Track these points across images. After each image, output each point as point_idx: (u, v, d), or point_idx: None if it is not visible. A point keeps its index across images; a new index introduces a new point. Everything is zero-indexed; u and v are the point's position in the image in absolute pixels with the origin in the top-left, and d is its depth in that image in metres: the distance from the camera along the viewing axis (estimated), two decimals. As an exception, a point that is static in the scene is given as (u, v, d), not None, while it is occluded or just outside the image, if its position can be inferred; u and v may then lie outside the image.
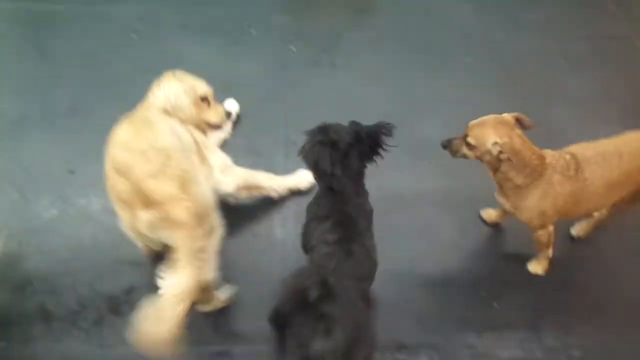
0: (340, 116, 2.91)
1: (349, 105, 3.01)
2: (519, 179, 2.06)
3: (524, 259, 2.44)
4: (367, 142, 1.89)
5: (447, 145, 2.17)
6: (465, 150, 2.11)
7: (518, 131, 2.03)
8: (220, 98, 2.75)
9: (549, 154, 2.09)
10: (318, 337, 1.53)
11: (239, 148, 2.76)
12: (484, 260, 2.51)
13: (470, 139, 2.06)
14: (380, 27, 3.57)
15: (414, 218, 2.59)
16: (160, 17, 3.50)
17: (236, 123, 2.90)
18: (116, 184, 1.86)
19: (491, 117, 2.06)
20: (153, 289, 2.16)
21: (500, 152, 1.99)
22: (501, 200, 2.24)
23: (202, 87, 2.28)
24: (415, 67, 3.31)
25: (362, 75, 3.23)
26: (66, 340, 2.06)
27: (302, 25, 3.54)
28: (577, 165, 2.07)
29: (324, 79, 3.20)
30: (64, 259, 2.29)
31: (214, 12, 3.55)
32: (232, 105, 2.92)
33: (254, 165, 2.64)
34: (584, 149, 2.12)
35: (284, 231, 2.46)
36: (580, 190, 2.08)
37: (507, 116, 2.05)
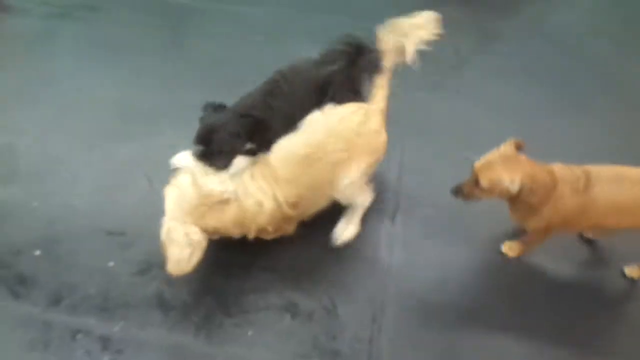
0: (458, 144, 2.90)
1: (469, 133, 2.95)
2: (535, 200, 2.04)
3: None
4: None
5: (457, 192, 2.14)
6: (478, 193, 2.08)
7: (523, 157, 2.04)
8: None
9: (558, 167, 2.09)
10: None
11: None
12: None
13: (483, 183, 2.03)
14: (508, 55, 3.44)
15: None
16: (287, 21, 3.58)
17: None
18: None
19: (494, 155, 2.05)
20: (260, 293, 2.28)
21: (520, 190, 1.98)
22: (512, 215, 2.24)
23: None
24: (543, 101, 3.16)
25: (485, 104, 3.12)
26: (178, 330, 2.17)
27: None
28: (588, 181, 2.05)
29: (445, 103, 3.13)
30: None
31: (341, 23, 3.56)
32: None
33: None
34: (602, 169, 2.10)
35: (390, 258, 2.45)
36: (587, 205, 2.06)
37: (508, 147, 2.05)
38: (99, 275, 2.32)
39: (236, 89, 3.00)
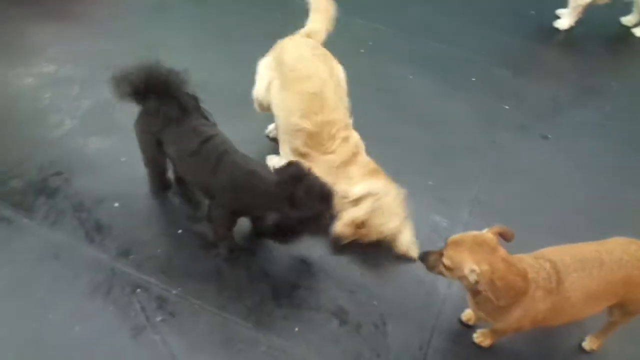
0: (538, 194, 2.84)
1: (550, 184, 2.89)
2: (502, 302, 1.81)
3: None
4: None
5: (423, 258, 1.99)
6: (442, 268, 1.91)
7: (501, 252, 1.82)
8: (420, 131, 2.79)
9: (529, 265, 1.88)
10: None
11: (427, 188, 2.78)
12: None
13: (444, 259, 1.87)
14: (607, 113, 3.34)
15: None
16: (390, 39, 3.63)
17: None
18: None
19: (469, 235, 1.86)
20: (314, 292, 2.31)
21: (477, 281, 1.78)
22: (476, 311, 2.04)
23: None
24: (636, 168, 3.04)
25: (574, 158, 3.04)
26: (229, 309, 2.24)
27: (522, 85, 3.44)
28: (558, 275, 1.87)
29: (531, 147, 3.07)
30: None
31: (441, 48, 3.58)
32: None
33: (436, 210, 2.66)
34: (563, 256, 1.92)
35: (447, 288, 2.42)
36: (561, 302, 1.88)
37: (489, 235, 1.85)
38: (167, 240, 2.43)
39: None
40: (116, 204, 2.53)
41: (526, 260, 1.92)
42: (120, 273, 2.29)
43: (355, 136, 2.50)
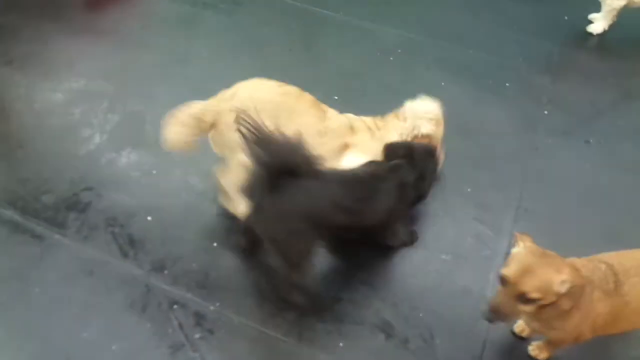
0: (585, 199, 2.71)
1: (597, 190, 2.76)
2: (567, 304, 1.68)
3: None
4: None
5: (493, 315, 1.70)
6: (523, 307, 1.67)
7: (551, 252, 1.72)
8: (457, 138, 2.72)
9: (581, 265, 1.76)
10: None
11: (467, 195, 2.67)
12: None
13: (532, 294, 1.62)
14: (650, 117, 3.21)
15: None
16: (420, 47, 3.55)
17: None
18: None
19: (524, 255, 1.69)
20: (357, 306, 2.20)
21: (567, 290, 1.63)
22: (530, 323, 1.89)
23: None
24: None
25: (619, 162, 2.90)
26: (270, 324, 2.14)
27: (560, 91, 3.32)
28: (616, 277, 1.76)
29: (573, 153, 2.94)
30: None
31: (473, 55, 3.49)
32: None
33: (478, 218, 2.56)
34: (621, 259, 1.81)
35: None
36: (620, 306, 1.76)
37: (530, 244, 1.72)
38: (202, 253, 2.35)
39: (357, 101, 3.02)
40: (149, 218, 2.47)
41: (577, 261, 1.81)
42: (156, 288, 2.21)
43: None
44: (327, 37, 3.58)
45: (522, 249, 1.72)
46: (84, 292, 2.19)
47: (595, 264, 1.80)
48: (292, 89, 2.41)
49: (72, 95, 3.04)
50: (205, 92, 3.21)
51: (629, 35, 3.80)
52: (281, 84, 2.42)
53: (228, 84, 3.26)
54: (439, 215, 2.58)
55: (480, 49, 3.54)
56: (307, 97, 2.39)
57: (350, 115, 2.46)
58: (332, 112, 2.40)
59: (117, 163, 2.71)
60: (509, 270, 1.68)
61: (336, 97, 3.00)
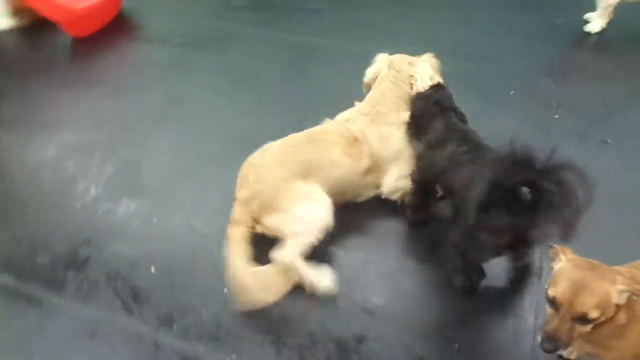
0: (611, 201, 2.54)
1: (618, 189, 2.58)
2: (624, 318, 1.51)
3: None
4: None
5: (552, 344, 1.50)
6: (582, 329, 1.49)
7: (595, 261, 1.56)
8: None
9: (627, 273, 1.54)
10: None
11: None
12: None
13: (592, 313, 1.45)
14: (664, 112, 3.07)
15: None
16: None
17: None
18: None
19: (572, 270, 1.51)
20: (385, 343, 2.02)
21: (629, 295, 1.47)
22: (582, 345, 1.66)
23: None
24: None
25: (637, 161, 2.75)
26: (291, 372, 1.95)
27: (567, 93, 3.20)
28: None
29: (591, 154, 2.79)
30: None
31: (474, 67, 3.39)
32: None
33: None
34: None
35: (536, 318, 2.10)
36: None
37: (574, 257, 1.57)
38: (212, 301, 2.17)
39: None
40: (152, 268, 2.30)
41: (622, 269, 1.62)
42: (165, 345, 2.03)
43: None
44: (320, 64, 3.50)
45: (565, 264, 1.55)
46: (87, 356, 2.02)
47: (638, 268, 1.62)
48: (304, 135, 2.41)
49: (65, 149, 2.93)
50: (202, 134, 3.15)
51: (627, 31, 3.70)
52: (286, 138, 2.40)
53: (225, 122, 3.20)
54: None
55: (480, 60, 3.44)
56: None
57: (336, 120, 2.48)
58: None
59: (115, 213, 2.57)
60: (559, 291, 1.50)
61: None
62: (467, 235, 1.86)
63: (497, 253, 1.96)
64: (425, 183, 2.29)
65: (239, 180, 2.30)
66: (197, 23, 3.95)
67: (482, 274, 2.11)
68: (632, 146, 2.85)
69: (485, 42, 3.64)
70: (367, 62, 3.49)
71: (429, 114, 2.29)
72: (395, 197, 2.50)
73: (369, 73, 2.64)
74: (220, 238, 2.36)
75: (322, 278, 2.13)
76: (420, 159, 2.29)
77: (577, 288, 1.47)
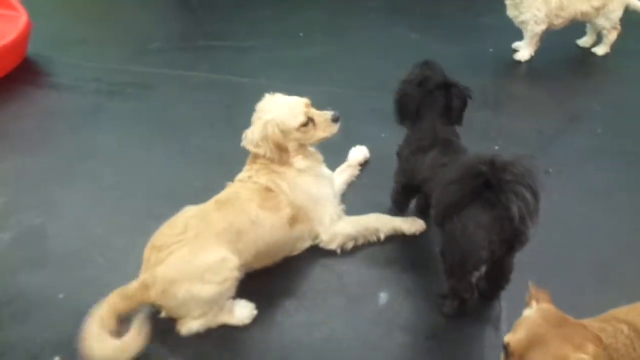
0: (564, 235, 2.43)
1: (572, 222, 2.50)
2: None
3: None
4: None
5: None
6: None
7: (568, 317, 1.42)
8: None
9: (599, 330, 1.44)
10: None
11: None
12: None
13: None
14: (600, 136, 3.04)
15: None
16: (350, 101, 3.32)
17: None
18: None
19: (535, 320, 1.39)
20: None
21: None
22: None
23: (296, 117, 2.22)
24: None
25: (585, 188, 2.68)
26: None
27: (505, 123, 3.14)
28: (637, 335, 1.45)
29: (536, 186, 2.71)
30: None
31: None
32: (359, 152, 2.83)
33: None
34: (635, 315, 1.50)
35: None
36: None
37: (547, 307, 1.43)
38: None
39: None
40: (56, 358, 1.93)
41: (593, 325, 1.46)
42: None
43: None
44: (249, 104, 3.23)
45: (534, 313, 1.39)
46: None
47: (615, 327, 1.45)
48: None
49: (-46, 218, 2.52)
50: (119, 189, 2.82)
51: (555, 57, 3.76)
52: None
53: (143, 176, 2.88)
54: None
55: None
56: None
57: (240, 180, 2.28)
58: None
59: (11, 291, 2.19)
60: (515, 339, 1.37)
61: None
62: (456, 233, 1.79)
63: (491, 251, 1.79)
64: (408, 185, 2.31)
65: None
66: (111, 68, 3.64)
67: (471, 291, 1.99)
68: (572, 174, 2.79)
69: (418, 75, 3.56)
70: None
71: (412, 100, 2.18)
72: (335, 245, 2.31)
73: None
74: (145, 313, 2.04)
75: (239, 314, 2.06)
76: (404, 162, 2.27)
77: (534, 343, 1.34)
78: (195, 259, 1.92)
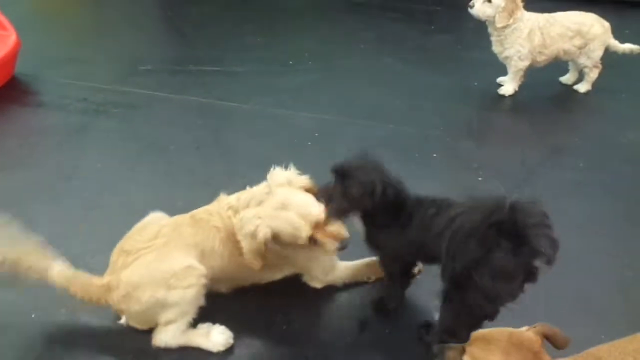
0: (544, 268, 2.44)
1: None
2: None
3: None
4: None
5: (439, 353, 1.52)
6: None
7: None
8: None
9: None
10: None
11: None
12: None
13: (467, 358, 1.43)
14: (581, 170, 3.09)
15: None
16: (337, 127, 3.35)
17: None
18: None
19: (504, 332, 1.43)
20: None
21: None
22: None
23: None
24: (631, 222, 2.73)
25: (568, 222, 2.68)
26: None
27: (488, 155, 3.18)
28: None
29: (519, 218, 2.73)
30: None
31: (393, 129, 3.33)
32: None
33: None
34: (621, 352, 1.49)
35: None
36: None
37: (529, 335, 1.43)
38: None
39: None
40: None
41: None
42: None
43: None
44: (237, 128, 3.31)
45: (514, 330, 1.40)
46: None
47: None
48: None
49: None
50: (101, 209, 2.79)
51: (538, 93, 3.83)
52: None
53: (127, 197, 2.85)
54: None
55: (400, 123, 3.39)
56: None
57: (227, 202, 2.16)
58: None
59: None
60: (477, 332, 1.42)
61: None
62: (482, 285, 1.65)
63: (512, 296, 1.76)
64: (402, 264, 2.10)
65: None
66: (99, 88, 3.65)
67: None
68: (557, 206, 2.78)
69: (403, 105, 3.63)
70: (287, 126, 3.38)
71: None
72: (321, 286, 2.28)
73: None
74: (121, 335, 2.00)
75: (214, 339, 2.00)
76: (385, 245, 2.04)
77: (483, 342, 1.39)
78: (161, 264, 1.89)
